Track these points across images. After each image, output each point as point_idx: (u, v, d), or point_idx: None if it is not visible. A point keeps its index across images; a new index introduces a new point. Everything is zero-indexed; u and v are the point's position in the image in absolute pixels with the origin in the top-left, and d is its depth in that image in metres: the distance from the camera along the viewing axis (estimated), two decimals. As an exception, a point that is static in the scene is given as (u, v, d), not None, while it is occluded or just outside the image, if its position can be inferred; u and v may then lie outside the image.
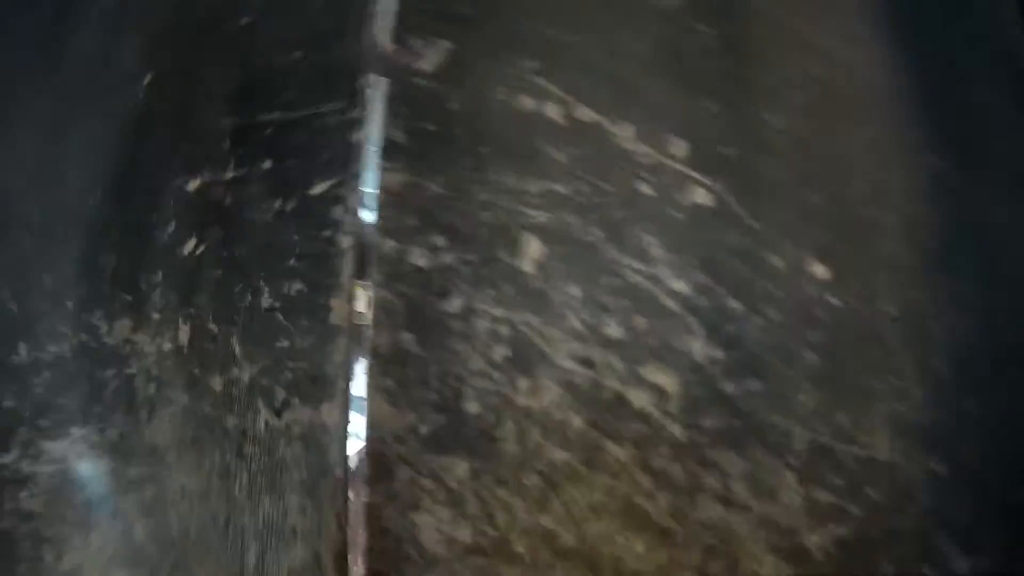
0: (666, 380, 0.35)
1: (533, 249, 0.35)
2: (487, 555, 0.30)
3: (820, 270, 0.43)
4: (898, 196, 0.48)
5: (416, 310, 0.31)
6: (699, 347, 0.37)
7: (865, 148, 0.48)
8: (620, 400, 0.35)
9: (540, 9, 0.40)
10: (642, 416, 0.34)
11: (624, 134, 0.40)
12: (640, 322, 0.36)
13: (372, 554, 0.28)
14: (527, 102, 0.37)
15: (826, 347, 0.40)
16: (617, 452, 0.34)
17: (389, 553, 0.29)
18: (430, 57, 0.34)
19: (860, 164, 0.47)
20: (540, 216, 0.35)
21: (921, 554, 0.44)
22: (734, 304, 0.38)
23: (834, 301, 0.42)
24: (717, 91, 0.43)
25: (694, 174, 0.41)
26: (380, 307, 0.30)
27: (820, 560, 0.39)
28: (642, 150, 0.40)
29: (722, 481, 0.34)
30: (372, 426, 0.29)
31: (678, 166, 0.41)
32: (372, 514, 0.28)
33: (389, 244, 0.30)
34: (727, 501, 0.34)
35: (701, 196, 0.40)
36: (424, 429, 0.30)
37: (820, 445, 0.39)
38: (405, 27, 0.34)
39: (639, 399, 0.35)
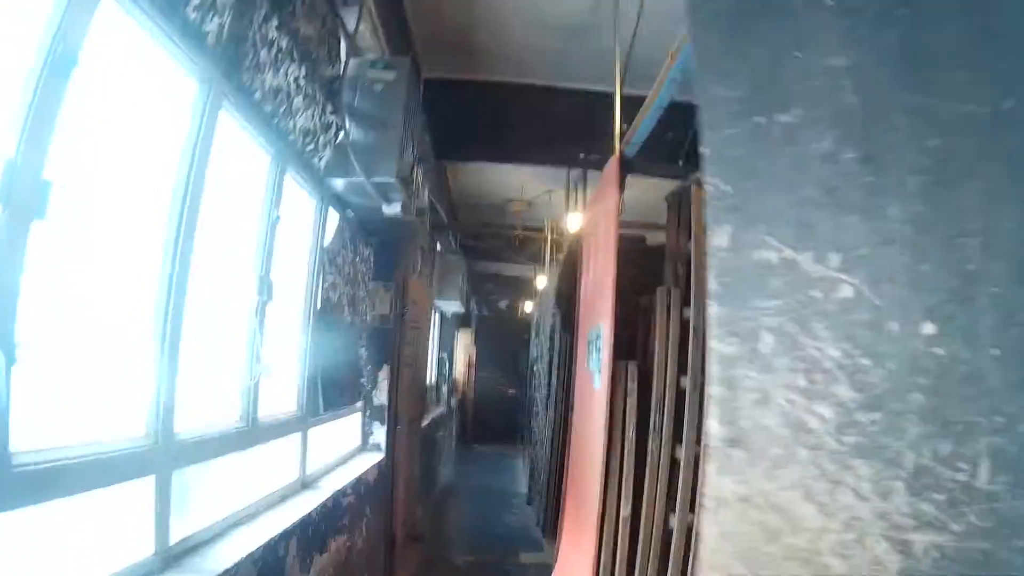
0: (826, 411, 0.66)
1: (766, 340, 0.65)
2: (745, 501, 0.62)
3: (928, 328, 0.64)
4: (1011, 240, 0.63)
5: (724, 376, 0.62)
6: (844, 391, 0.67)
7: (979, 203, 0.63)
8: (802, 421, 0.66)
9: (766, 188, 0.68)
10: (814, 432, 0.65)
11: (805, 259, 0.69)
12: (814, 376, 0.67)
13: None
14: (760, 254, 0.67)
15: (932, 389, 0.62)
16: (801, 452, 0.65)
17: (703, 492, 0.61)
18: (721, 236, 0.64)
19: (971, 222, 0.63)
20: (769, 320, 0.66)
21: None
22: (865, 361, 0.67)
23: (939, 351, 0.62)
24: (858, 205, 0.67)
25: (842, 276, 0.69)
26: (711, 373, 0.61)
27: (921, 557, 0.58)
28: (815, 268, 0.69)
29: (855, 480, 0.64)
30: (707, 434, 0.61)
31: (834, 273, 0.69)
32: (701, 476, 0.61)
33: (716, 343, 0.61)
34: (857, 494, 0.64)
35: (846, 291, 0.69)
36: (724, 434, 0.61)
37: (923, 466, 0.61)
38: (712, 220, 0.63)
39: (812, 422, 0.66)
